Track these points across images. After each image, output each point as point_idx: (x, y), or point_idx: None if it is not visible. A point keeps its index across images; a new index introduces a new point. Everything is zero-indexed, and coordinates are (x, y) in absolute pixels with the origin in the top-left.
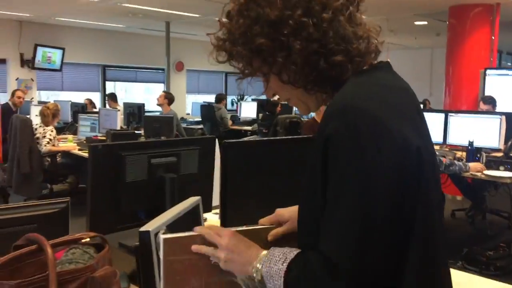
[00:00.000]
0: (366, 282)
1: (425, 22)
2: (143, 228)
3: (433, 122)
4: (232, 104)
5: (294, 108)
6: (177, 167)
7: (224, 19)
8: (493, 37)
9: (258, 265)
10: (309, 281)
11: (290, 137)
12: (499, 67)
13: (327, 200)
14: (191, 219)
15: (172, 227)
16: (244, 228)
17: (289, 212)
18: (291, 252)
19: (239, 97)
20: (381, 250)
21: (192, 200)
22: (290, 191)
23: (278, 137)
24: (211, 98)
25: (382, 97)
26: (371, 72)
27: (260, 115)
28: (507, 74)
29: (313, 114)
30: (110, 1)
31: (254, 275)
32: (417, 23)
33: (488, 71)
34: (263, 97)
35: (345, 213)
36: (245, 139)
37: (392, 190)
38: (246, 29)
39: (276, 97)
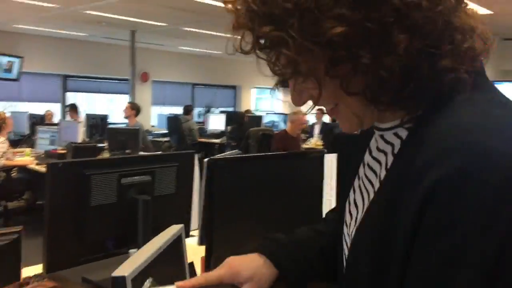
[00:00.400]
0: None
1: None
2: (117, 273)
3: None
4: (199, 117)
5: (264, 120)
6: (152, 188)
7: None
8: None
9: None
10: None
11: (281, 152)
12: None
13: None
14: (173, 252)
15: (151, 265)
16: None
17: (249, 268)
18: None
19: (206, 109)
20: None
21: (173, 230)
22: (283, 212)
23: (268, 153)
24: (177, 110)
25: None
26: (482, 85)
27: (229, 127)
28: None
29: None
30: (72, 8)
31: None
32: None
33: None
34: (231, 108)
35: None
36: (227, 154)
37: None
38: (309, 4)
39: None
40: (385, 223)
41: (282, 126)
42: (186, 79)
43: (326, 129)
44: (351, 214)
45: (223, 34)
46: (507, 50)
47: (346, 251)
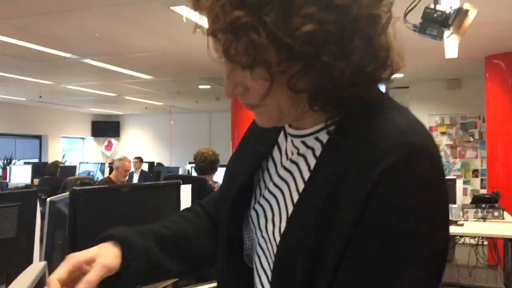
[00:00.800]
0: None
1: (208, 86)
2: None
3: None
4: None
5: (78, 171)
6: None
7: None
8: None
9: None
10: None
11: (142, 183)
12: None
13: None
14: None
15: None
16: None
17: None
18: None
19: (6, 161)
20: None
21: (36, 269)
22: None
23: (131, 183)
24: None
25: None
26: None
27: (36, 180)
28: None
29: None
30: None
31: None
32: (201, 87)
33: None
34: (36, 160)
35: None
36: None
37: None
38: None
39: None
40: (323, 217)
41: (99, 175)
42: None
43: (145, 177)
44: (265, 216)
45: (28, 79)
46: None
47: (264, 251)
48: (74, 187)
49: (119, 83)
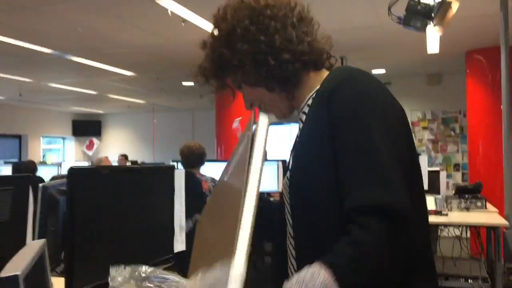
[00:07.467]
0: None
1: (192, 83)
2: (5, 273)
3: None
4: None
5: (59, 172)
6: None
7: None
8: None
9: None
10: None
11: (136, 166)
12: None
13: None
14: (39, 269)
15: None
16: None
17: None
18: (310, 266)
19: None
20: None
21: (35, 246)
22: (139, 223)
23: (127, 166)
24: None
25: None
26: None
27: None
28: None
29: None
30: None
31: None
32: (184, 83)
33: None
34: (15, 160)
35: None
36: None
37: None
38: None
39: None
40: (312, 144)
41: None
42: None
43: None
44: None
45: (8, 76)
46: None
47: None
48: (73, 167)
49: (101, 80)
